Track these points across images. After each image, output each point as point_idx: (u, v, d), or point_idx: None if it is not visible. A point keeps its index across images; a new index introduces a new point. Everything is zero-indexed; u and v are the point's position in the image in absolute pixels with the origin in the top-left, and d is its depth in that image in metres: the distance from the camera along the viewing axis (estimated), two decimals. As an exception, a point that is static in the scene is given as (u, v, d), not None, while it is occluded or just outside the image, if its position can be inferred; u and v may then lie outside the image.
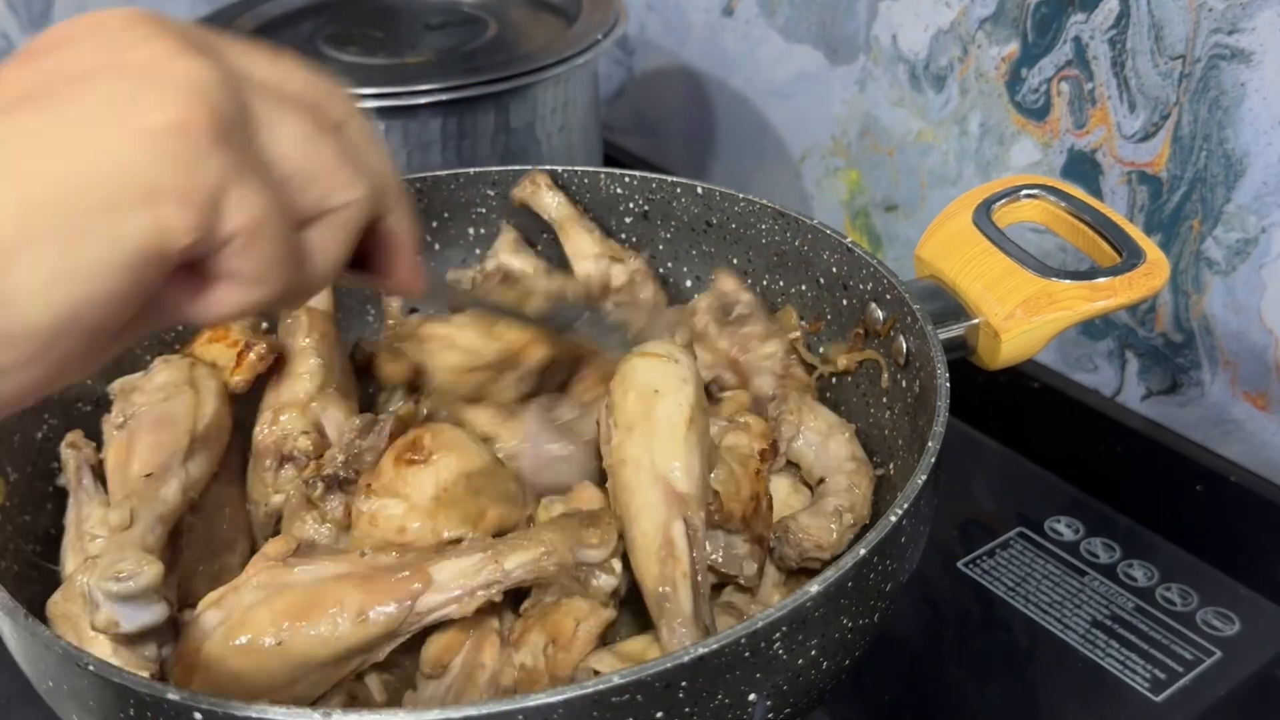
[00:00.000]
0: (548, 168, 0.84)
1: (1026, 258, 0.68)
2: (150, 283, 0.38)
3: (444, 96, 0.94)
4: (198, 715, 0.46)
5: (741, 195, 0.79)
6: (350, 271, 0.49)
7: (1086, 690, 0.73)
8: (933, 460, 0.56)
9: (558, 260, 0.83)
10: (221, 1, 1.17)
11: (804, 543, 0.63)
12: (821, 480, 0.69)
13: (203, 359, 0.72)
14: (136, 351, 0.75)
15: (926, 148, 1.01)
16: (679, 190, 0.82)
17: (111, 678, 0.47)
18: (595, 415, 0.67)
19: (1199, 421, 0.88)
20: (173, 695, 0.46)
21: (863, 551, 0.52)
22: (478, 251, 0.87)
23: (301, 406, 0.72)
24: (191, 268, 0.40)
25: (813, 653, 0.52)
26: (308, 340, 0.74)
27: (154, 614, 0.56)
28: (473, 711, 0.45)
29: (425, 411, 0.70)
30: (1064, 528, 0.85)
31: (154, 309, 0.41)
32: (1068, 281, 0.67)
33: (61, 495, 0.69)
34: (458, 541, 0.60)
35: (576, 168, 0.84)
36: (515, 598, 0.61)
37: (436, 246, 0.86)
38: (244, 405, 0.73)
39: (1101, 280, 0.67)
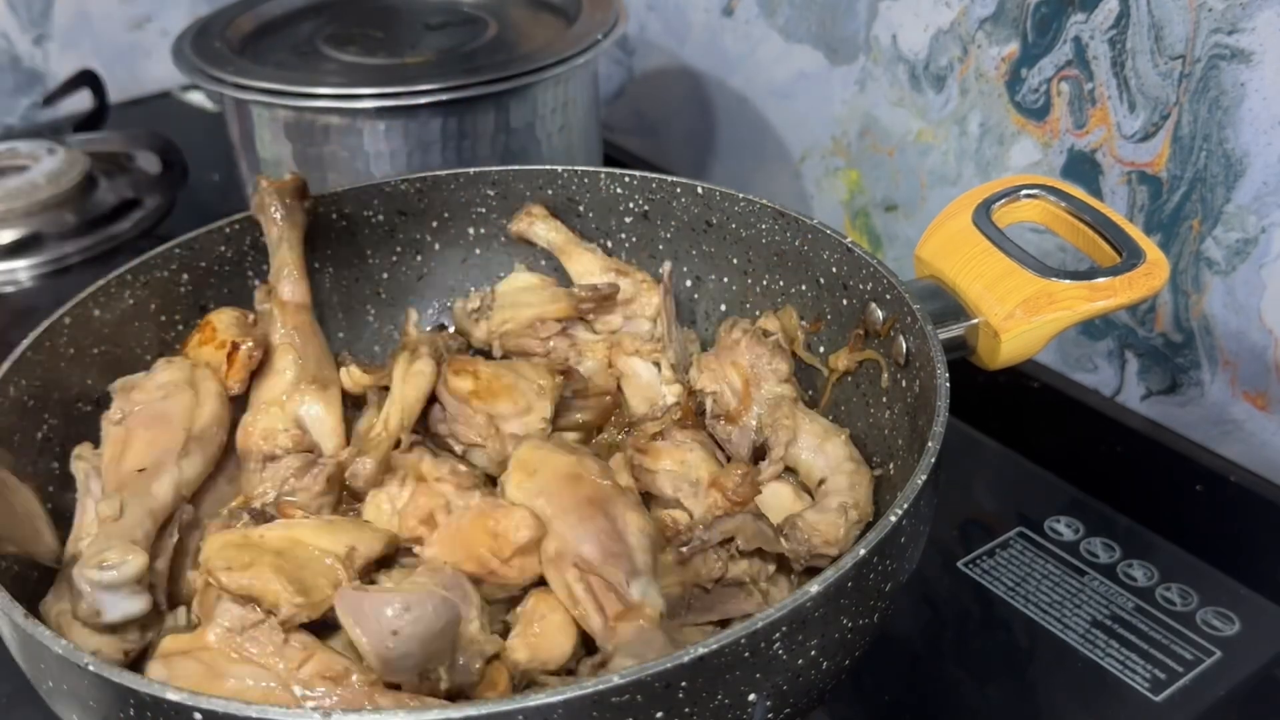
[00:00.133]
0: (563, 170, 0.85)
1: (1026, 258, 0.68)
2: None
3: (444, 96, 0.94)
4: (198, 715, 0.46)
5: (741, 195, 0.79)
6: None
7: (1086, 690, 0.73)
8: (933, 460, 0.56)
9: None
10: (222, 1, 1.17)
11: (812, 539, 0.63)
12: (822, 481, 0.69)
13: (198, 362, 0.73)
14: (137, 351, 0.75)
15: (926, 148, 1.01)
16: (679, 190, 0.82)
17: (111, 678, 0.47)
18: None
19: (1199, 421, 0.88)
20: (173, 695, 0.46)
21: (862, 551, 0.52)
22: (477, 252, 0.87)
23: (280, 403, 0.72)
24: None
25: (812, 653, 0.52)
26: (282, 334, 0.75)
27: (136, 605, 0.57)
28: (473, 711, 0.45)
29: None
30: (1064, 528, 0.85)
31: None
32: (1067, 281, 0.67)
33: (59, 499, 0.69)
34: None
35: (576, 168, 0.84)
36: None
37: (437, 246, 0.86)
38: (240, 406, 0.73)
39: (1101, 280, 0.67)
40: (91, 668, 0.48)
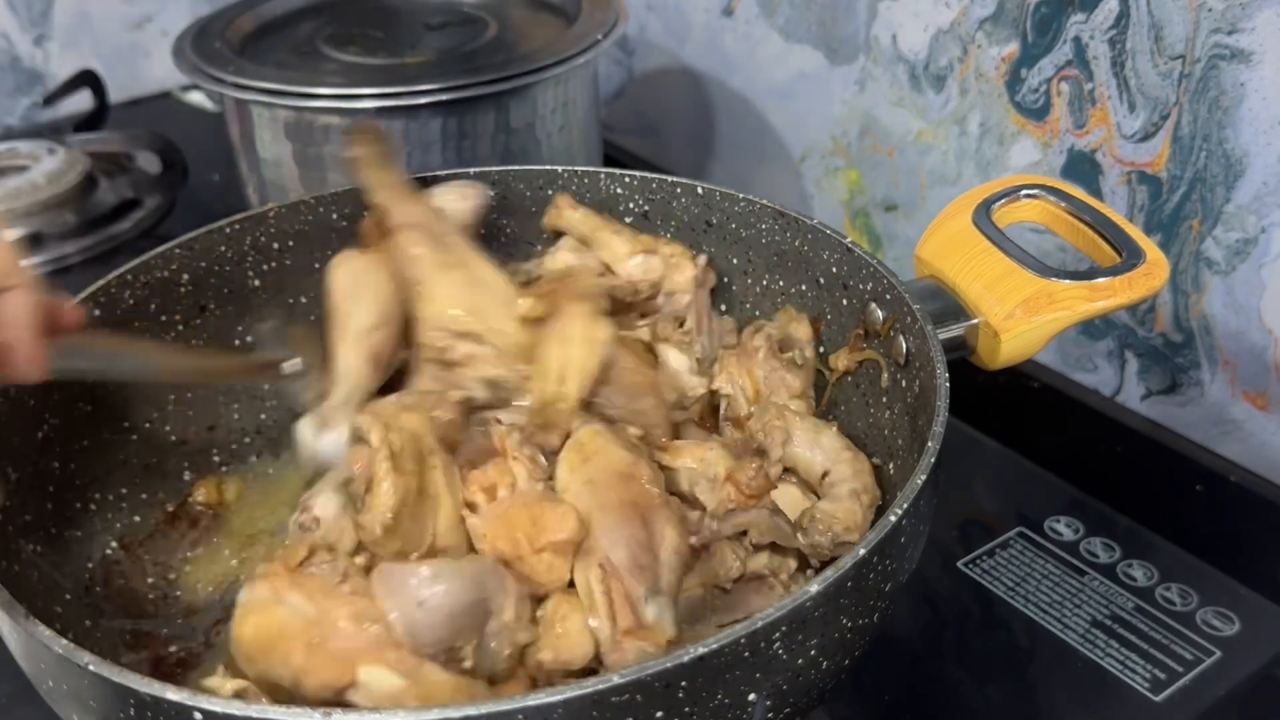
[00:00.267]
0: (563, 170, 0.85)
1: (1026, 258, 0.68)
2: None
3: (444, 96, 0.94)
4: (198, 715, 0.46)
5: (741, 195, 0.79)
6: None
7: (1086, 690, 0.73)
8: (933, 460, 0.57)
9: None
10: (222, 1, 1.17)
11: (834, 527, 0.63)
12: (825, 474, 0.69)
13: None
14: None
15: (926, 148, 1.01)
16: (679, 190, 0.82)
17: (112, 677, 0.47)
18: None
19: (1199, 421, 0.88)
20: (172, 695, 0.46)
21: (862, 551, 0.52)
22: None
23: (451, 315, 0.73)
24: None
25: (812, 652, 0.52)
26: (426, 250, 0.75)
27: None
28: (473, 711, 0.45)
29: None
30: (1064, 527, 0.85)
31: None
32: (1067, 281, 0.67)
33: (60, 498, 0.69)
34: None
35: (576, 168, 0.84)
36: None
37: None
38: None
39: (1101, 280, 0.67)
40: (92, 667, 0.48)
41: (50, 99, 1.41)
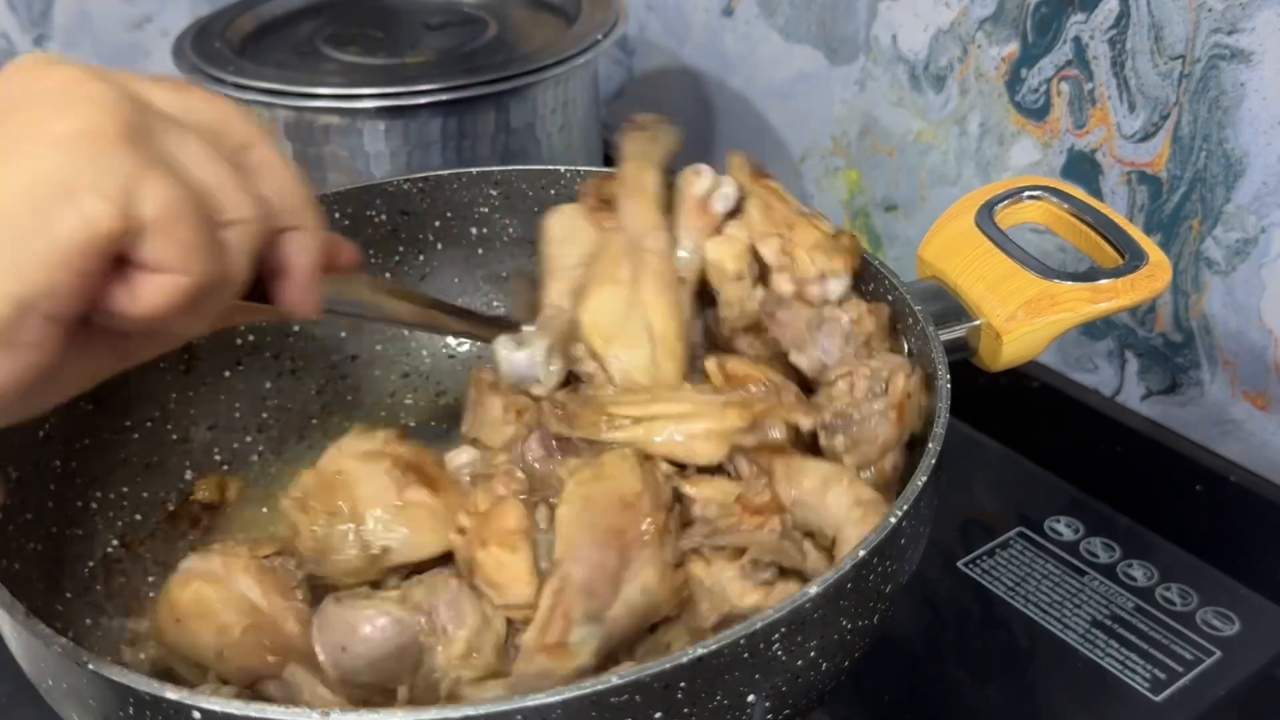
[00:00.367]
0: (566, 170, 0.84)
1: (1029, 259, 0.68)
2: (91, 271, 0.43)
3: (444, 96, 0.94)
4: (196, 715, 0.46)
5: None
6: (247, 300, 0.52)
7: (1086, 690, 0.73)
8: (933, 462, 0.56)
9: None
10: (222, 1, 1.17)
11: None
12: (834, 541, 0.61)
13: None
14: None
15: (926, 148, 1.01)
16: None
17: (110, 676, 0.47)
18: None
19: (1199, 421, 0.88)
20: (171, 694, 0.46)
21: (862, 553, 0.51)
22: (480, 252, 0.87)
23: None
24: (127, 265, 0.45)
25: (812, 654, 0.52)
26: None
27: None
28: (471, 712, 0.45)
29: None
30: (1064, 528, 0.85)
31: (102, 308, 0.45)
32: (1070, 283, 0.67)
33: (61, 496, 0.69)
34: None
35: (580, 168, 0.84)
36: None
37: (439, 246, 0.86)
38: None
39: (1104, 282, 0.67)
40: (91, 666, 0.48)
41: (50, 99, 1.41)
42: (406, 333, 0.88)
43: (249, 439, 0.82)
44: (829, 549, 0.61)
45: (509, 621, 0.59)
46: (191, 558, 0.62)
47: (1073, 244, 0.73)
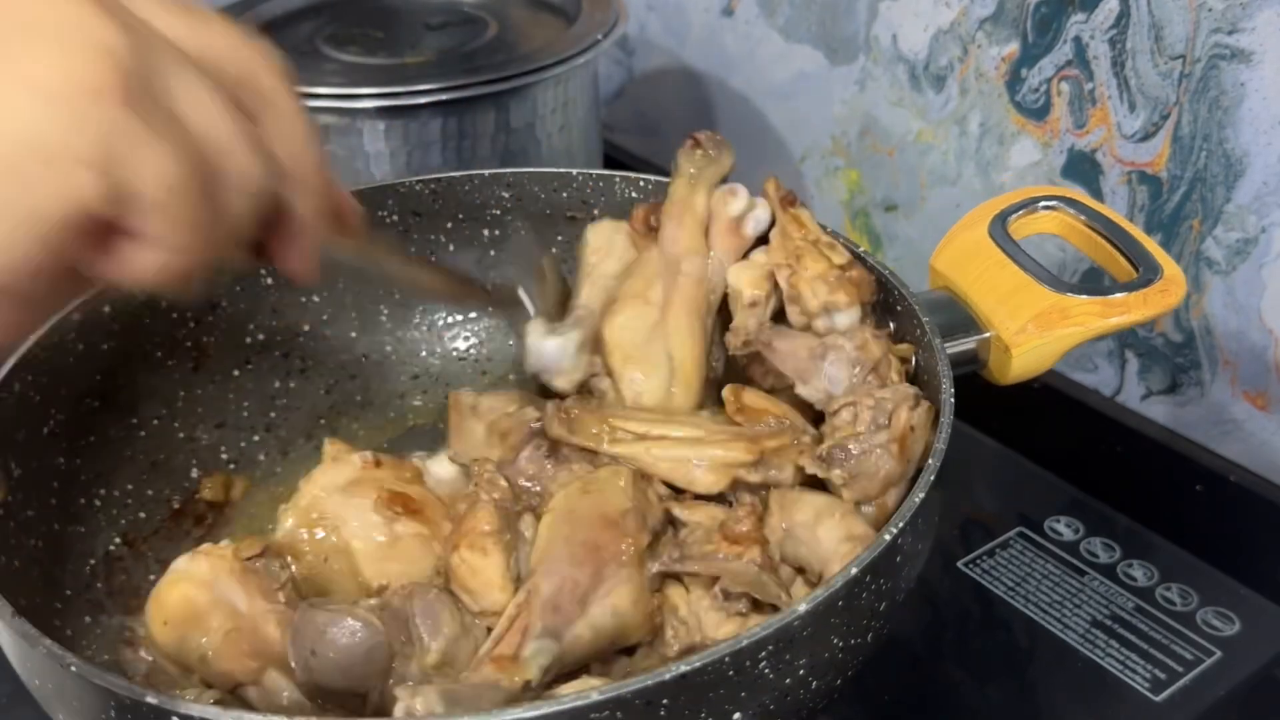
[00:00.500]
0: (577, 173, 0.85)
1: (1040, 271, 0.68)
2: (68, 247, 0.38)
3: (444, 96, 0.94)
4: (175, 719, 0.46)
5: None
6: (247, 252, 0.49)
7: (1086, 690, 0.73)
8: (932, 478, 0.56)
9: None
10: (222, 1, 1.17)
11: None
12: (820, 576, 0.60)
13: None
14: (147, 348, 0.75)
15: (926, 148, 1.01)
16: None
17: (92, 679, 0.47)
18: None
19: (1199, 421, 0.88)
20: (151, 699, 0.46)
21: (854, 570, 0.50)
22: (492, 253, 0.86)
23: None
24: (114, 232, 0.40)
25: (801, 672, 0.50)
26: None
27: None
28: None
29: None
30: (1064, 528, 0.85)
31: (79, 270, 0.41)
32: (1082, 297, 0.67)
33: (64, 493, 0.69)
34: None
35: (591, 171, 0.84)
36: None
37: (451, 247, 0.86)
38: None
39: (1116, 296, 0.67)
40: (74, 669, 0.48)
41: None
42: (414, 335, 0.88)
43: (256, 438, 0.82)
44: (817, 585, 0.59)
45: (490, 630, 0.58)
46: (180, 560, 0.62)
47: (1088, 255, 0.72)
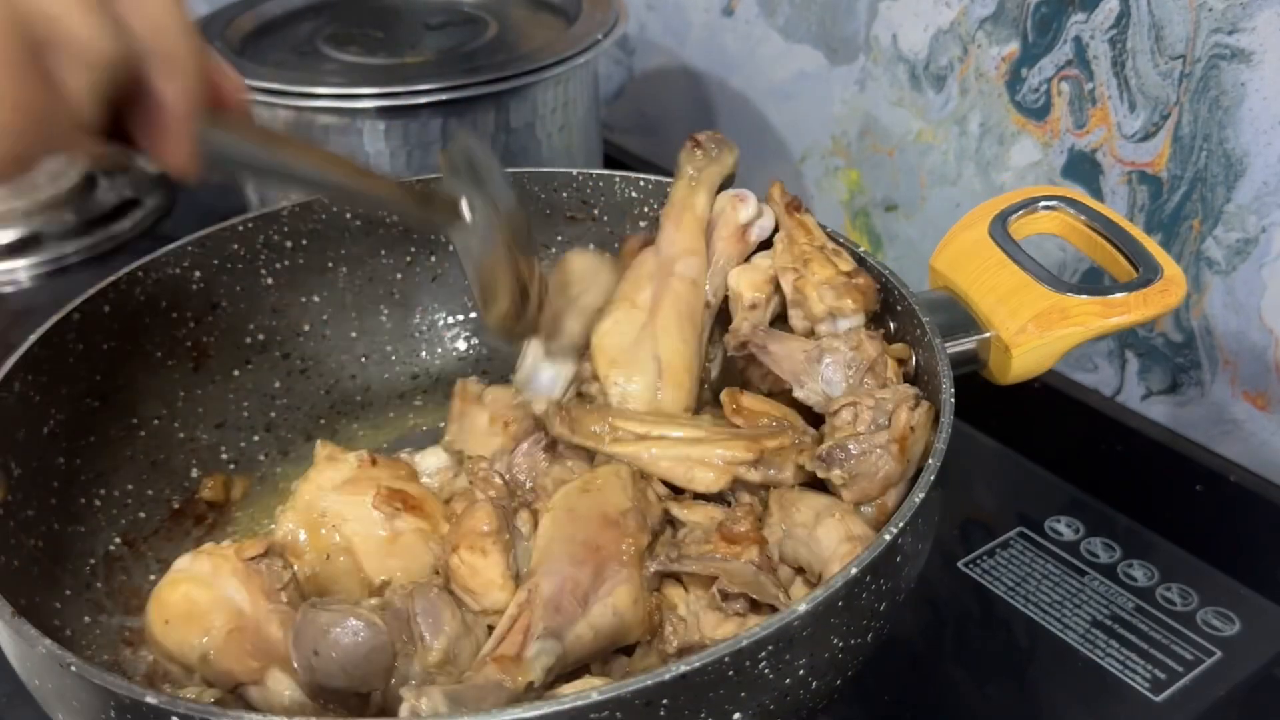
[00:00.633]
0: (578, 173, 0.85)
1: (1041, 271, 0.68)
2: None
3: (444, 96, 0.94)
4: (174, 719, 0.46)
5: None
6: (111, 140, 0.44)
7: (1086, 690, 0.73)
8: (932, 478, 0.56)
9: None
10: (222, 1, 1.17)
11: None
12: (820, 577, 0.60)
13: None
14: (147, 348, 0.75)
15: (926, 148, 1.01)
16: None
17: (92, 679, 0.47)
18: None
19: (1199, 421, 0.88)
20: (151, 699, 0.46)
21: (854, 570, 0.50)
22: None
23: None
24: None
25: (800, 672, 0.51)
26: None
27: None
28: None
29: None
30: (1064, 527, 0.85)
31: None
32: (1082, 297, 0.67)
33: (64, 493, 0.69)
34: None
35: (592, 171, 0.85)
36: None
37: (451, 247, 0.86)
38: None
39: (1116, 296, 0.67)
40: (74, 669, 0.48)
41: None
42: (415, 335, 0.88)
43: (256, 438, 0.82)
44: (816, 585, 0.58)
45: (491, 629, 0.58)
46: (182, 559, 0.62)
47: (1088, 255, 0.72)
